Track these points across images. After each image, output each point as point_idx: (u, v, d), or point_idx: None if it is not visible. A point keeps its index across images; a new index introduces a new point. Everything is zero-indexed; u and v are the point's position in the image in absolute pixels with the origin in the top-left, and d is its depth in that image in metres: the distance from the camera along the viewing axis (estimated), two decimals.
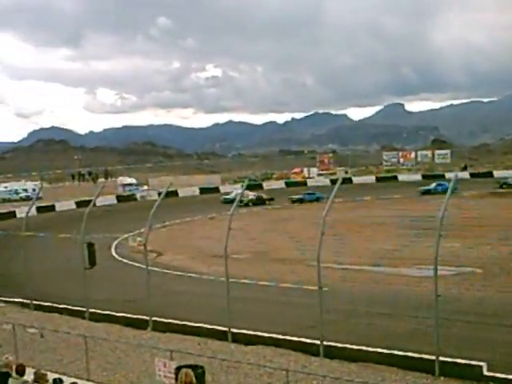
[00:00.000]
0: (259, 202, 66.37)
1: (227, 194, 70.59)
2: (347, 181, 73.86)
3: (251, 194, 66.70)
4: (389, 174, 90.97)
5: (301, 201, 65.89)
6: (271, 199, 67.54)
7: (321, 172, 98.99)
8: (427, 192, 66.44)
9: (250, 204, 63.77)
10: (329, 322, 17.82)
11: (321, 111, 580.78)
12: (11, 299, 25.62)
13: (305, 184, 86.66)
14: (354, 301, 22.50)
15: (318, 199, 65.55)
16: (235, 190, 72.18)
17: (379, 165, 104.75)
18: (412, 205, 55.08)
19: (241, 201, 64.27)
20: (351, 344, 16.97)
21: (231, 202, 67.48)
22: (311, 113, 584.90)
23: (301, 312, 20.81)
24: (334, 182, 73.03)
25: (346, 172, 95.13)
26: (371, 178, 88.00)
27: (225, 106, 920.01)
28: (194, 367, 12.35)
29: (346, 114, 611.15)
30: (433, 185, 68.68)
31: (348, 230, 40.36)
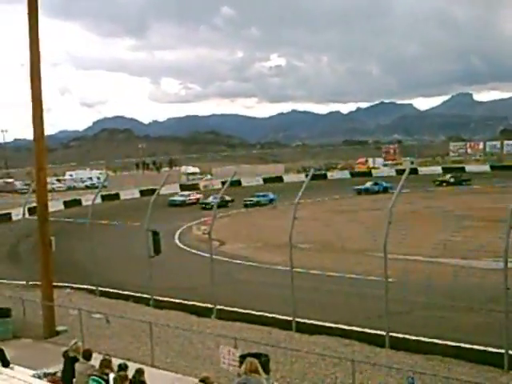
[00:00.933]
0: (223, 203, 58.77)
1: (173, 195, 64.83)
2: (413, 171, 72.41)
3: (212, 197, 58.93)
4: (456, 165, 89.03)
5: (255, 204, 59.09)
6: (232, 201, 59.98)
7: (386, 162, 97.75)
8: (365, 191, 64.02)
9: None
10: (395, 314, 17.56)
11: (386, 101, 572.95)
12: (78, 285, 26.12)
13: (370, 174, 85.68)
14: (420, 292, 22.11)
15: (271, 201, 60.46)
16: (180, 193, 67.43)
17: (446, 155, 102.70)
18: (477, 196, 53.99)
19: (206, 203, 57.21)
20: (417, 336, 16.70)
21: (179, 205, 59.49)
22: (376, 102, 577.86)
23: (366, 302, 20.53)
24: (399, 172, 72.22)
25: (412, 162, 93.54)
26: (437, 169, 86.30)
27: (289, 95, 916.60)
28: (258, 355, 12.39)
29: (411, 104, 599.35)
30: (368, 184, 66.08)
31: (411, 221, 39.78)
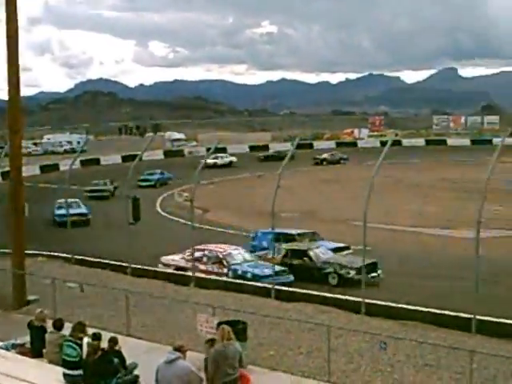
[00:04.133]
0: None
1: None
2: (396, 143, 71.91)
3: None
4: (438, 138, 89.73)
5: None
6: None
7: (371, 134, 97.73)
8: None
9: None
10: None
11: (375, 73, 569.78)
12: (52, 253, 25.36)
13: (355, 145, 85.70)
14: (398, 261, 22.36)
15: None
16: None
17: (429, 128, 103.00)
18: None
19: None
20: (392, 302, 17.30)
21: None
22: (365, 74, 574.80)
23: None
24: (383, 143, 72.02)
25: (396, 134, 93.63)
26: (421, 141, 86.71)
27: (279, 63, 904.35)
28: (235, 323, 12.43)
29: (399, 77, 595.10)
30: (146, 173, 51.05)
31: (393, 191, 39.96)
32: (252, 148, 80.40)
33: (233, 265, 21.30)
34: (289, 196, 33.94)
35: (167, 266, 22.51)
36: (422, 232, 29.21)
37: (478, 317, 15.36)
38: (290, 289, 19.19)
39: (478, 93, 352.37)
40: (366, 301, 17.14)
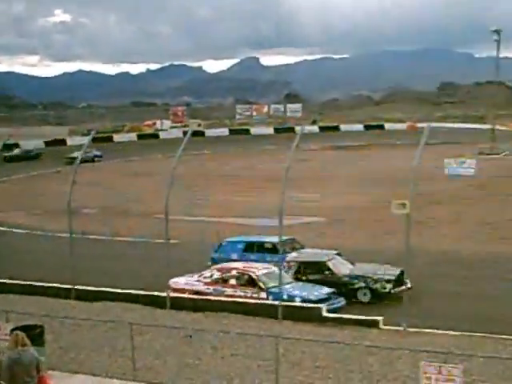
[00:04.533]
0: None
1: None
2: (199, 133, 72.58)
3: None
4: (242, 127, 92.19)
5: None
6: None
7: (174, 125, 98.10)
8: None
9: None
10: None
11: (176, 63, 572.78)
12: None
13: (157, 137, 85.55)
14: (199, 252, 22.53)
15: None
16: None
17: (233, 118, 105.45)
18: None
19: None
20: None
21: None
22: (166, 64, 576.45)
23: (153, 266, 20.30)
24: (186, 134, 72.21)
25: (199, 125, 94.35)
26: (224, 131, 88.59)
27: (75, 54, 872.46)
28: (31, 327, 11.88)
29: (201, 67, 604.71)
30: None
31: (199, 182, 40.41)
32: (48, 143, 76.45)
33: (271, 287, 17.43)
34: (89, 191, 33.17)
35: (179, 291, 18.08)
36: (226, 222, 29.75)
37: (282, 303, 16.02)
38: (92, 288, 18.58)
39: (280, 81, 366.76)
40: (171, 295, 17.20)
